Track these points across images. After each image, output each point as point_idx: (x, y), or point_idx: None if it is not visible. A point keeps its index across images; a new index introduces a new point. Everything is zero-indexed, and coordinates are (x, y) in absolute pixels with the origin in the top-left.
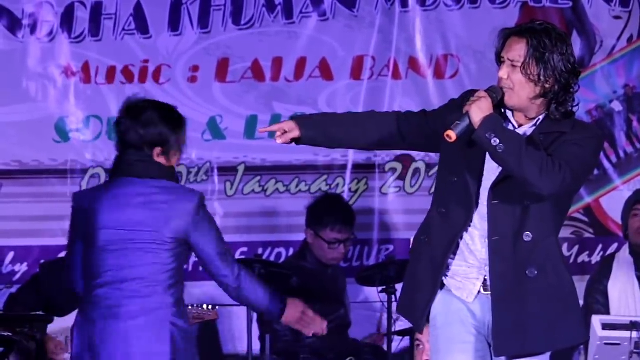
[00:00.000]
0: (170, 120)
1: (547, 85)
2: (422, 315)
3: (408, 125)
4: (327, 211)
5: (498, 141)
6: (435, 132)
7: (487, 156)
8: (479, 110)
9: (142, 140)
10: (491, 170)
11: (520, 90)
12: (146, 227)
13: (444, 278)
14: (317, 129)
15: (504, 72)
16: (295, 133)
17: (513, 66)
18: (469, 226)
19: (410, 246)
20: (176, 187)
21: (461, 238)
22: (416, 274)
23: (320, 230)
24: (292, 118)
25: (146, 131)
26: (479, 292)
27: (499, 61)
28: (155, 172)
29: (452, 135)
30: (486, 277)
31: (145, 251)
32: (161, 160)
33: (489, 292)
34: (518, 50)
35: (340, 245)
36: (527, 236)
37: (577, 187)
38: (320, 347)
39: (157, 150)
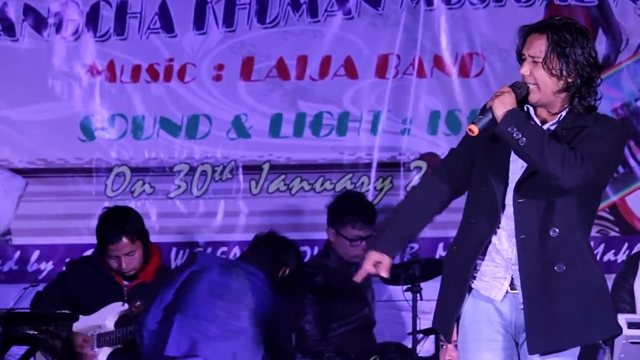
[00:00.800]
0: None
1: (569, 80)
2: (451, 320)
3: (454, 174)
4: (348, 209)
5: (520, 135)
6: (471, 159)
7: (512, 157)
8: (502, 105)
9: None
10: (516, 171)
11: (544, 85)
12: None
13: (472, 281)
14: (399, 245)
15: (525, 69)
16: (387, 261)
17: (534, 62)
18: (497, 228)
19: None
20: None
21: (490, 241)
22: (447, 285)
23: (341, 228)
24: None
25: None
26: (507, 291)
27: (520, 59)
28: None
29: (474, 129)
30: (513, 276)
31: None
32: None
33: (516, 291)
34: (539, 46)
35: (362, 242)
36: (554, 232)
37: (603, 180)
38: (345, 346)
39: None
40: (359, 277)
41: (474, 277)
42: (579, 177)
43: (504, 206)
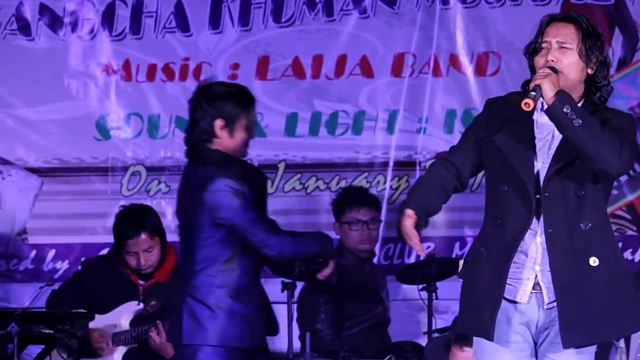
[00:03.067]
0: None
1: (589, 71)
2: (492, 324)
3: (464, 170)
4: (345, 197)
5: (575, 116)
6: (478, 154)
7: (536, 154)
8: (552, 84)
9: None
10: (539, 168)
11: (568, 71)
12: None
13: None
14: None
15: (553, 55)
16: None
17: (562, 48)
18: (531, 225)
19: (463, 260)
20: None
21: (523, 241)
22: (477, 287)
23: (342, 217)
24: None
25: None
26: (530, 291)
27: (537, 48)
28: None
29: (530, 102)
30: (537, 275)
31: None
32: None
33: (539, 291)
34: (569, 33)
35: (363, 226)
36: (586, 225)
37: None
38: (359, 344)
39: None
40: (419, 248)
41: None
42: (625, 162)
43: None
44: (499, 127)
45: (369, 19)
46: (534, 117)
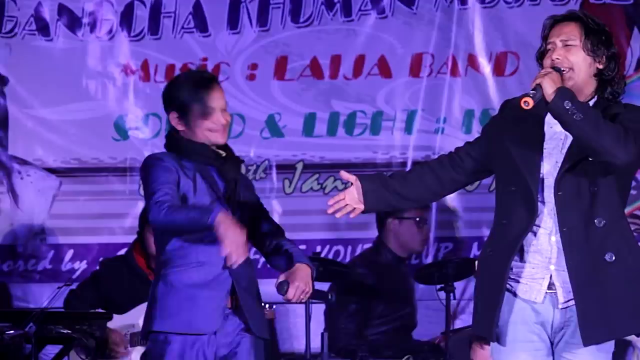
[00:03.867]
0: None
1: (599, 66)
2: (492, 323)
3: (461, 162)
4: None
5: (576, 110)
6: (487, 154)
7: (544, 154)
8: (552, 82)
9: None
10: (550, 167)
11: (578, 68)
12: None
13: (509, 283)
14: (380, 203)
15: (558, 54)
16: (360, 207)
17: (567, 46)
18: (533, 227)
19: (477, 261)
20: None
21: (525, 240)
22: (483, 287)
23: (403, 212)
24: (361, 183)
25: None
26: (545, 291)
27: (543, 52)
28: None
29: (529, 101)
30: (552, 275)
31: None
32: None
33: (554, 291)
34: (572, 31)
35: (424, 225)
36: (600, 222)
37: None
38: (383, 345)
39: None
40: (332, 205)
41: (510, 279)
42: (631, 153)
43: (544, 203)
44: (510, 127)
45: (387, 19)
46: (546, 118)
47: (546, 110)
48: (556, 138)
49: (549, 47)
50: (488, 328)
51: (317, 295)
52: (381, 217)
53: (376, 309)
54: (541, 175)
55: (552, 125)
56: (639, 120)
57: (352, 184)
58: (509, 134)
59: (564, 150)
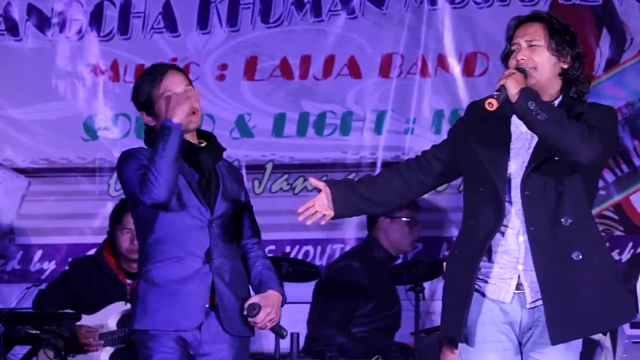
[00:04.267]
0: None
1: (564, 65)
2: (460, 324)
3: (429, 165)
4: None
5: (539, 110)
6: (454, 155)
7: (511, 154)
8: (516, 83)
9: None
10: (517, 167)
11: (541, 67)
12: None
13: (477, 283)
14: (349, 209)
15: (523, 54)
16: (330, 214)
17: (531, 46)
18: (501, 227)
19: (444, 265)
20: None
21: (492, 241)
22: (451, 288)
23: (394, 212)
24: (330, 189)
25: None
26: (513, 291)
27: (508, 53)
28: None
29: (494, 102)
30: (520, 275)
31: None
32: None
33: (522, 291)
34: (536, 31)
35: (415, 226)
36: (566, 221)
37: (606, 161)
38: (349, 346)
39: None
40: (302, 212)
41: (479, 279)
42: (597, 151)
43: (511, 203)
44: (476, 128)
45: (357, 20)
46: (512, 118)
47: (512, 111)
48: (522, 138)
49: (513, 47)
50: (457, 329)
51: (276, 326)
52: (372, 216)
53: (364, 307)
54: (508, 175)
55: (518, 126)
56: (603, 118)
57: (320, 190)
58: (476, 135)
59: (531, 150)
